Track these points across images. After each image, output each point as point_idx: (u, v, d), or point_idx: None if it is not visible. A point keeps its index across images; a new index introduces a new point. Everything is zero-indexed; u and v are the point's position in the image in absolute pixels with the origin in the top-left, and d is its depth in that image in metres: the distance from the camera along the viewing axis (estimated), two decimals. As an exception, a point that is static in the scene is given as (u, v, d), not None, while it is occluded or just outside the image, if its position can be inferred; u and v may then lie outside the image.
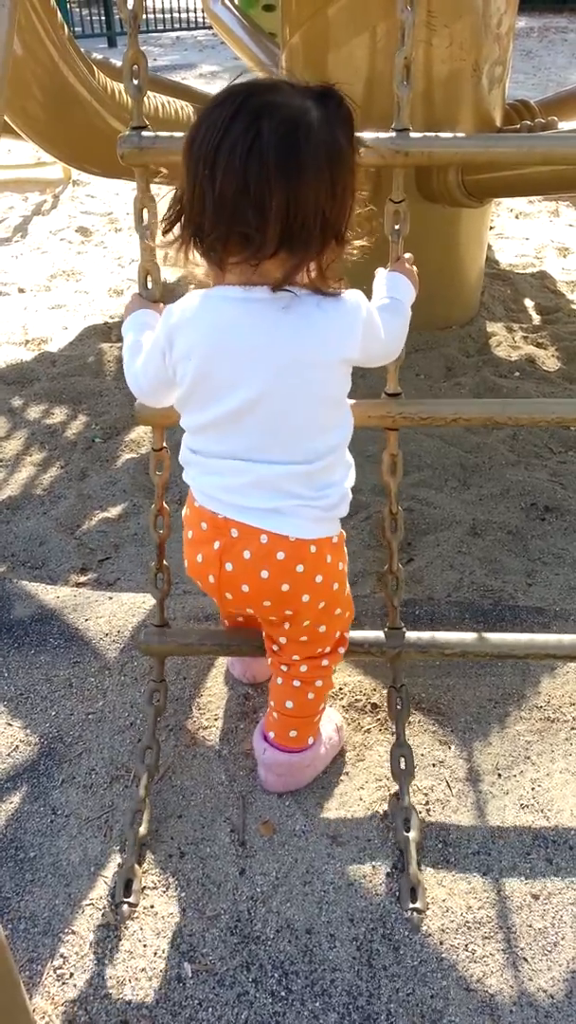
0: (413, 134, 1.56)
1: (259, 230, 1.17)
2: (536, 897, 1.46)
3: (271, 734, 1.61)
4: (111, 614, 2.09)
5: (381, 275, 1.57)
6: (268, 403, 1.30)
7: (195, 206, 1.22)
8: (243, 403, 1.30)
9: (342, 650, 1.60)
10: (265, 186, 1.15)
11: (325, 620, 1.50)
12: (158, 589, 1.74)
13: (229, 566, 1.41)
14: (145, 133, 1.56)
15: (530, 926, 1.42)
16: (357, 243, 1.32)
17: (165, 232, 1.31)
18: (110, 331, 3.91)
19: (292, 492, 1.36)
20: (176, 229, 1.28)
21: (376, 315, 1.39)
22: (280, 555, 1.37)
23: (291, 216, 1.17)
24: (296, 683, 1.55)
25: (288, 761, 1.60)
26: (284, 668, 1.56)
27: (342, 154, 1.22)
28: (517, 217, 5.64)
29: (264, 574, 1.38)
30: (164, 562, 1.75)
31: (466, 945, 1.39)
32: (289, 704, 1.57)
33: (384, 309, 1.46)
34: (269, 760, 1.61)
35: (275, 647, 1.56)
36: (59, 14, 2.76)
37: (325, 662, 1.56)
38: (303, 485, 1.37)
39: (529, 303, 4.21)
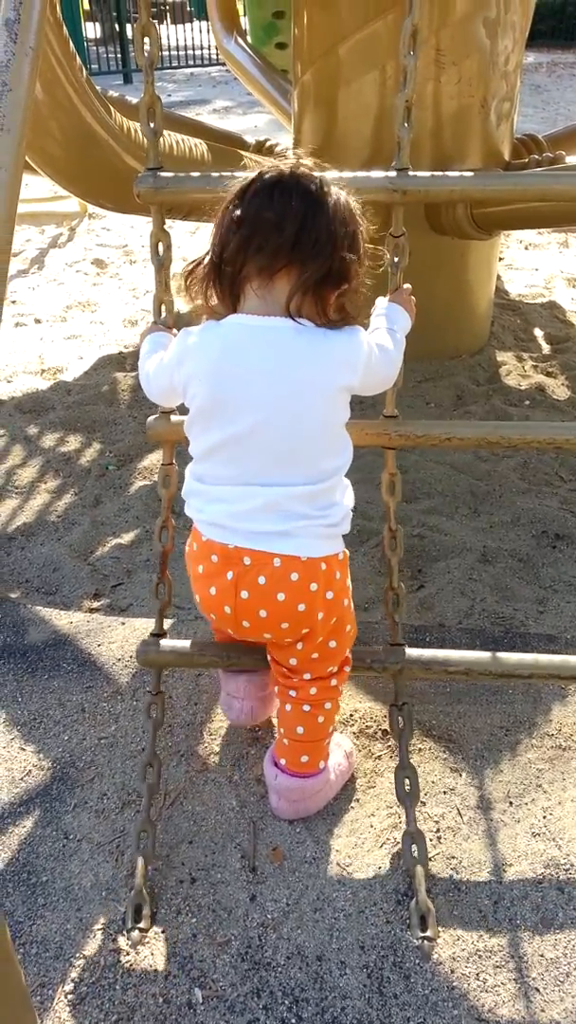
0: (412, 173, 1.62)
1: (276, 230, 1.31)
2: (548, 927, 1.46)
3: (282, 761, 1.62)
4: (123, 639, 2.11)
5: (381, 304, 1.64)
6: (274, 425, 1.38)
7: (220, 240, 1.37)
8: (250, 425, 1.37)
9: (347, 669, 1.63)
10: (287, 198, 1.32)
11: (336, 636, 1.54)
12: (158, 600, 1.77)
13: (245, 594, 1.44)
14: (161, 173, 1.61)
15: (542, 955, 1.41)
16: (363, 320, 1.47)
17: (190, 274, 1.44)
18: (124, 361, 3.97)
19: (298, 512, 1.42)
20: (198, 275, 1.42)
21: (376, 350, 1.47)
22: (294, 576, 1.42)
23: (306, 223, 1.31)
24: (306, 708, 1.57)
25: (300, 786, 1.61)
26: (293, 694, 1.57)
27: (353, 212, 1.39)
28: (527, 248, 5.71)
29: (280, 596, 1.42)
30: (166, 574, 1.78)
31: (477, 974, 1.38)
32: (300, 730, 1.58)
33: (381, 342, 1.55)
34: (281, 786, 1.62)
35: (284, 670, 1.58)
36: (77, 58, 2.85)
37: (333, 682, 1.59)
38: (307, 505, 1.43)
39: (539, 333, 4.25)
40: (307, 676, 1.56)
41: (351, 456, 1.51)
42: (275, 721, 1.68)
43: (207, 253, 1.41)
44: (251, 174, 1.38)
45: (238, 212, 1.35)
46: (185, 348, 1.43)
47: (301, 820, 1.64)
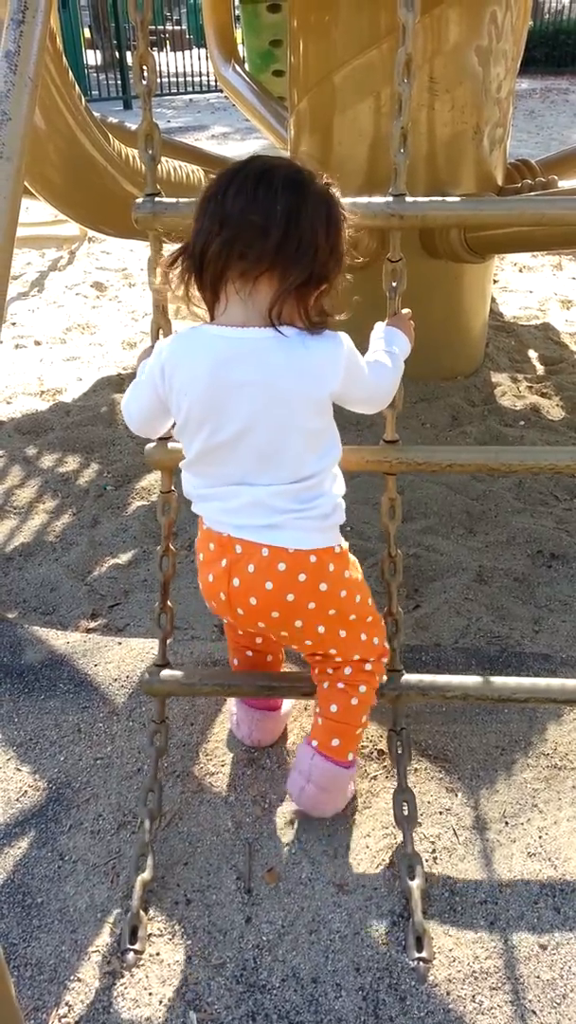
0: (408, 198, 1.65)
1: (263, 233, 1.30)
2: (544, 947, 1.45)
3: (315, 742, 1.63)
4: (120, 659, 2.12)
5: (379, 328, 1.66)
6: (258, 433, 1.40)
7: (201, 235, 1.36)
8: (236, 433, 1.41)
9: (385, 660, 1.65)
10: (272, 198, 1.31)
11: (341, 626, 1.55)
12: (161, 629, 1.77)
13: (236, 581, 1.48)
14: (159, 199, 1.64)
15: (538, 977, 1.41)
16: (339, 317, 1.45)
17: (168, 267, 1.43)
18: (123, 382, 4.00)
19: (283, 508, 1.45)
20: (178, 268, 1.42)
21: (358, 355, 1.49)
22: (281, 566, 1.45)
23: (290, 227, 1.31)
24: (340, 685, 1.60)
25: (332, 773, 1.61)
26: (329, 671, 1.61)
27: (336, 208, 1.39)
28: (521, 271, 5.76)
29: (268, 585, 1.46)
30: (168, 602, 1.78)
31: (473, 996, 1.38)
32: (333, 708, 1.60)
33: (377, 359, 1.57)
34: (315, 767, 1.61)
35: (316, 656, 1.62)
36: (76, 86, 2.90)
37: (368, 667, 1.61)
38: (292, 501, 1.45)
39: (533, 354, 4.29)
40: (337, 658, 1.59)
41: (339, 453, 1.53)
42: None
43: (187, 244, 1.39)
44: (236, 163, 1.37)
45: (221, 210, 1.33)
46: (164, 362, 1.44)
47: (297, 840, 1.63)
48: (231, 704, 1.91)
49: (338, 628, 1.55)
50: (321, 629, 1.53)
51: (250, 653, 1.77)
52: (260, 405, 1.38)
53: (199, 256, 1.36)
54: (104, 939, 1.46)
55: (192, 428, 1.45)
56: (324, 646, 1.57)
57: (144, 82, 1.63)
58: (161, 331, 1.73)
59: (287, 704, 1.87)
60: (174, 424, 1.54)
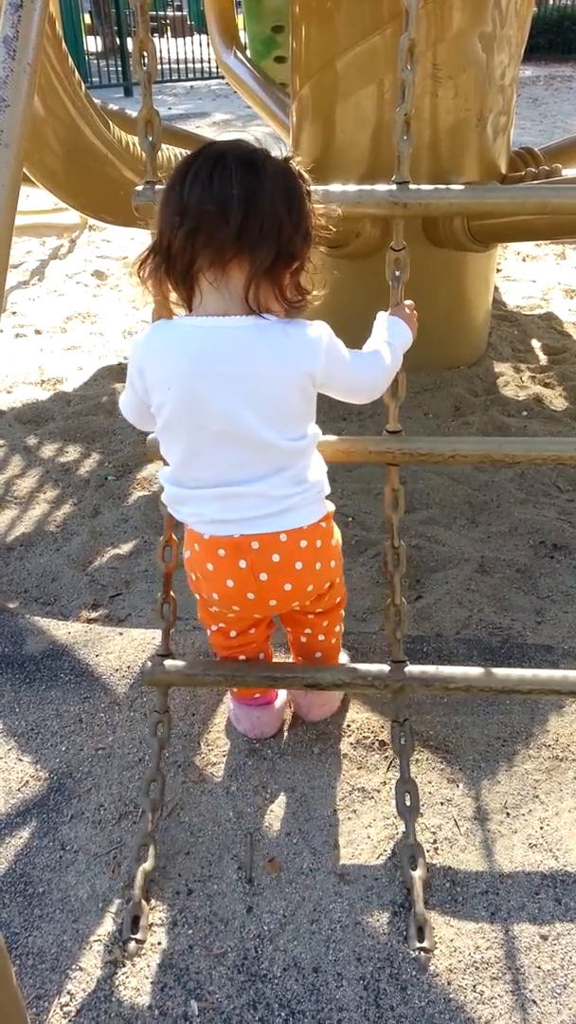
0: (412, 186, 1.63)
1: (223, 219, 1.29)
2: (545, 938, 1.46)
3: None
4: (121, 650, 2.12)
5: (381, 318, 1.64)
6: (246, 422, 1.39)
7: (164, 229, 1.35)
8: (225, 424, 1.39)
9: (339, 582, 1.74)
10: (227, 183, 1.29)
11: (336, 574, 1.67)
12: (164, 619, 1.77)
13: (264, 576, 1.49)
14: (159, 186, 1.62)
15: (539, 967, 1.41)
16: (317, 292, 1.45)
17: (140, 268, 1.41)
18: (124, 371, 3.97)
19: (287, 493, 1.46)
20: (149, 266, 1.41)
21: (338, 343, 1.48)
22: (303, 543, 1.49)
23: (249, 210, 1.30)
24: (321, 637, 1.77)
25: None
26: (308, 631, 1.76)
27: (296, 183, 1.37)
28: (524, 260, 5.73)
29: (298, 565, 1.50)
30: (171, 593, 1.78)
31: (474, 986, 1.38)
32: (318, 655, 1.80)
33: (372, 349, 1.57)
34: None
35: (298, 618, 1.74)
36: (76, 73, 2.88)
37: (338, 628, 1.80)
38: (289, 485, 1.47)
39: (536, 344, 4.27)
40: (319, 609, 1.70)
41: (318, 431, 1.54)
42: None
43: (155, 242, 1.39)
44: (191, 153, 1.36)
45: (180, 201, 1.32)
46: (140, 358, 1.43)
47: (298, 831, 1.63)
48: (230, 697, 1.90)
49: (334, 576, 1.65)
50: (328, 584, 1.63)
51: (242, 658, 1.76)
52: (247, 393, 1.37)
53: (166, 251, 1.36)
54: (106, 928, 1.47)
55: (176, 425, 1.42)
56: (324, 600, 1.67)
57: (144, 68, 1.61)
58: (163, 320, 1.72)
59: (283, 695, 1.87)
60: None
